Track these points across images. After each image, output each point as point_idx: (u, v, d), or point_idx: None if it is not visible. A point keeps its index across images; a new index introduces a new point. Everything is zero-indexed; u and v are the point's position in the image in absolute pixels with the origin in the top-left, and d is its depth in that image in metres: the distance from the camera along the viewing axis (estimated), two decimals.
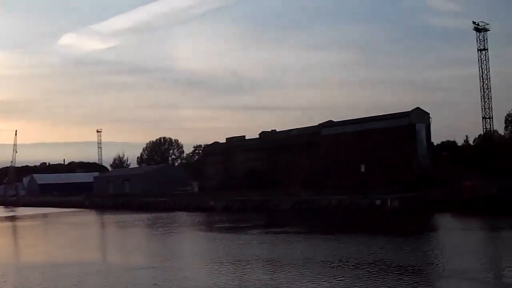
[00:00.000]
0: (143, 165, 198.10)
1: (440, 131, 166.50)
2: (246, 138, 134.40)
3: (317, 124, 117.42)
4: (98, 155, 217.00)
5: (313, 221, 73.00)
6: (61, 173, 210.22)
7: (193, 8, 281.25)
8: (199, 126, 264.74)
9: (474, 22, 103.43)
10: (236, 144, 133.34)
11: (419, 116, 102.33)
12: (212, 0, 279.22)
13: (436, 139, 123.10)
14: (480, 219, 63.47)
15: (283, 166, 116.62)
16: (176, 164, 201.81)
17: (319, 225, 67.81)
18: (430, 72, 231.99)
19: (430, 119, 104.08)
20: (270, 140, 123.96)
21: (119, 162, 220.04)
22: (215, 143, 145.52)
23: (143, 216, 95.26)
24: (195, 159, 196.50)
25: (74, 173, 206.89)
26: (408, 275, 31.14)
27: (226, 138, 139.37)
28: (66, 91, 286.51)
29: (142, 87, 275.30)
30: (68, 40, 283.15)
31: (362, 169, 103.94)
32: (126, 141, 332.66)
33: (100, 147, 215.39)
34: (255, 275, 33.19)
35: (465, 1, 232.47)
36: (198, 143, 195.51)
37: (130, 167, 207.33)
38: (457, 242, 45.42)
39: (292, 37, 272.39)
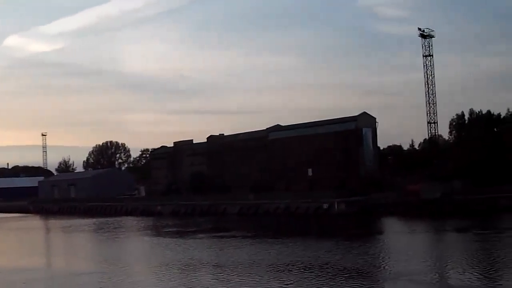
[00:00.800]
0: (89, 169, 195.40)
1: (386, 136, 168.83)
2: (194, 142, 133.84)
3: (264, 128, 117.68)
4: (43, 159, 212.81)
5: (261, 225, 73.02)
6: (5, 177, 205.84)
7: (142, 11, 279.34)
8: (146, 130, 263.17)
9: (419, 29, 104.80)
10: (183, 148, 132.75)
11: (366, 121, 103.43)
12: (161, 3, 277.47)
13: (382, 144, 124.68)
14: (425, 222, 64.47)
15: (231, 170, 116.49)
16: (123, 168, 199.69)
17: (267, 229, 67.83)
18: (377, 77, 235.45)
19: (377, 123, 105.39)
20: (218, 144, 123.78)
21: (64, 166, 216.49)
22: (163, 147, 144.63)
23: (89, 221, 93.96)
24: (142, 163, 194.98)
25: (18, 178, 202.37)
26: (355, 278, 31.32)
27: (174, 142, 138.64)
28: (10, 93, 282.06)
29: (89, 90, 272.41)
30: (13, 41, 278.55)
31: (310, 173, 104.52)
32: (72, 145, 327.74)
33: (45, 151, 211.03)
34: (202, 280, 32.98)
35: (411, 8, 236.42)
36: (145, 147, 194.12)
37: (76, 171, 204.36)
38: (403, 244, 45.97)
39: (241, 41, 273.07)
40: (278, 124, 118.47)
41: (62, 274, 38.28)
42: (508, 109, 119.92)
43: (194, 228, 70.71)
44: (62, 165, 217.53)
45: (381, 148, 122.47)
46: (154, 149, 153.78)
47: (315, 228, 67.61)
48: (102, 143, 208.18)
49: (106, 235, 68.80)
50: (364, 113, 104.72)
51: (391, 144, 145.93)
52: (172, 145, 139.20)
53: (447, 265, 35.06)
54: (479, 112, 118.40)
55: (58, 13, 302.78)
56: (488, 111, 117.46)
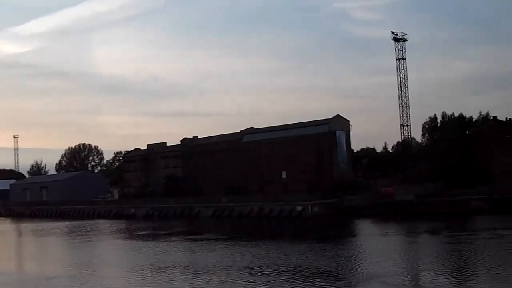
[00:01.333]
0: (61, 172, 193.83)
1: (360, 138, 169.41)
2: (168, 144, 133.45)
3: (239, 131, 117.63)
4: (15, 162, 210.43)
5: (235, 228, 72.87)
6: None
7: (115, 13, 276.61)
8: (120, 133, 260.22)
9: (393, 32, 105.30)
10: (157, 150, 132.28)
11: (339, 124, 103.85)
12: (134, 5, 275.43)
13: (356, 146, 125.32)
14: (398, 224, 64.79)
15: (204, 172, 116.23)
16: (96, 171, 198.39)
17: (241, 232, 67.67)
18: (351, 80, 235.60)
19: (350, 126, 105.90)
20: (192, 147, 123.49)
21: (36, 169, 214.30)
22: (136, 149, 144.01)
23: (62, 224, 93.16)
24: (115, 166, 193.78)
25: None
26: (329, 280, 31.33)
27: (147, 145, 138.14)
28: None
29: (62, 92, 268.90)
30: None
31: (283, 175, 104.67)
32: (44, 147, 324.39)
33: (17, 154, 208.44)
34: (175, 283, 32.79)
35: (385, 11, 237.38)
36: (119, 150, 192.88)
37: (48, 174, 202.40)
38: (377, 246, 46.07)
39: (215, 44, 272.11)
40: (252, 127, 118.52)
41: (34, 278, 37.77)
42: (480, 112, 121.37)
43: (168, 231, 70.38)
44: (34, 167, 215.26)
45: (355, 150, 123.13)
46: (128, 152, 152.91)
47: (289, 231, 67.58)
48: (75, 146, 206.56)
49: (78, 238, 68.16)
50: (338, 116, 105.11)
51: (364, 147, 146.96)
52: (145, 147, 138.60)
53: (420, 267, 35.21)
54: (451, 115, 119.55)
55: (31, 14, 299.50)
56: (460, 114, 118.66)
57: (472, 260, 36.53)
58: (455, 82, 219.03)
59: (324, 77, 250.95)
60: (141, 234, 69.34)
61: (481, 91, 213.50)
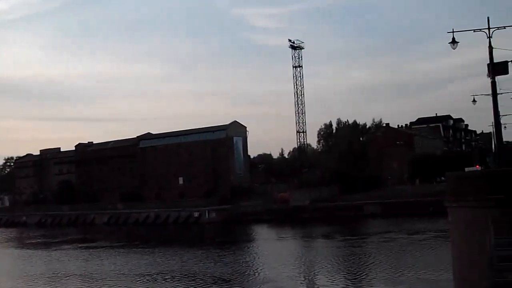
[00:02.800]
0: None
1: (257, 145, 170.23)
2: (61, 150, 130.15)
3: (135, 136, 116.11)
4: None
5: (131, 235, 71.90)
6: None
7: (11, 13, 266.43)
8: (11, 137, 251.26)
9: (290, 40, 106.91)
10: (50, 156, 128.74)
11: (237, 130, 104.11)
12: (30, 6, 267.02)
13: (252, 152, 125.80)
14: (294, 228, 65.48)
15: (99, 179, 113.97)
16: None
17: (137, 239, 66.71)
18: (249, 87, 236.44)
19: (247, 132, 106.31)
20: (86, 153, 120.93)
21: None
22: (28, 155, 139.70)
23: None
24: (6, 171, 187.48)
25: None
26: (225, 286, 31.26)
27: (40, 150, 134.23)
28: None
29: None
30: None
31: (180, 181, 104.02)
32: None
33: None
34: None
35: (285, 20, 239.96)
36: (10, 155, 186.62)
37: None
38: (273, 251, 46.37)
39: (111, 48, 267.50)
40: (149, 132, 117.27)
41: None
42: (373, 120, 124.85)
43: (61, 239, 68.64)
44: None
45: (252, 156, 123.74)
46: (19, 157, 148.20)
47: (186, 237, 67.25)
48: None
49: None
50: (235, 122, 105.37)
51: (261, 153, 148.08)
52: (38, 153, 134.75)
53: (314, 271, 35.63)
54: (346, 122, 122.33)
55: None
56: (354, 121, 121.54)
57: (365, 263, 37.25)
58: (350, 90, 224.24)
59: (222, 83, 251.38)
60: (33, 242, 67.42)
61: (375, 99, 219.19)
